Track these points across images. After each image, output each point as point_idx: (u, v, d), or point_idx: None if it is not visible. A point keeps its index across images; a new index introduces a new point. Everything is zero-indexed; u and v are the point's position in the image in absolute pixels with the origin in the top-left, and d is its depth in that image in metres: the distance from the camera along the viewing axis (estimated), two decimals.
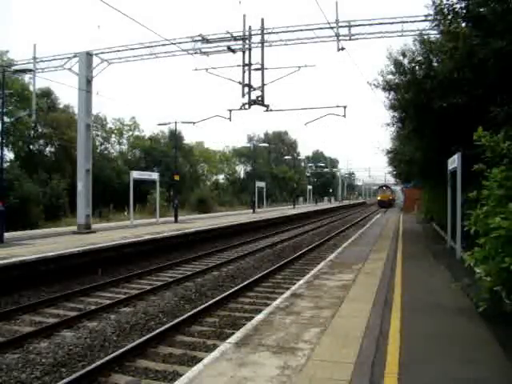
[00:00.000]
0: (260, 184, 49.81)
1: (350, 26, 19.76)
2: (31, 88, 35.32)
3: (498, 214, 6.45)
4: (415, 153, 21.28)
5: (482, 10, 10.89)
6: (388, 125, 20.32)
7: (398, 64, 15.93)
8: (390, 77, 16.55)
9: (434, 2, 12.35)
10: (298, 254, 18.50)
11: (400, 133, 23.21)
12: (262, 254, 19.28)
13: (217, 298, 10.95)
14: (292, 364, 5.25)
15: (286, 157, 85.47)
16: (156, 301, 11.31)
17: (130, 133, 68.51)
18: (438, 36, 14.89)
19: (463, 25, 12.01)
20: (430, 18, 13.84)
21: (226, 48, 20.79)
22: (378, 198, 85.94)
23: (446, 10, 11.87)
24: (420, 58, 15.08)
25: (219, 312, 10.19)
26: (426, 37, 15.35)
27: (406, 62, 15.73)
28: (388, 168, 43.78)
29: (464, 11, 11.56)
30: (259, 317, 7.37)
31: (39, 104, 39.54)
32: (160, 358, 7.46)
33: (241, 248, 21.73)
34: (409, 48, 15.69)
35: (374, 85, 17.02)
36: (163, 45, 21.44)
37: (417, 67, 15.32)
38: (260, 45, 21.12)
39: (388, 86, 16.69)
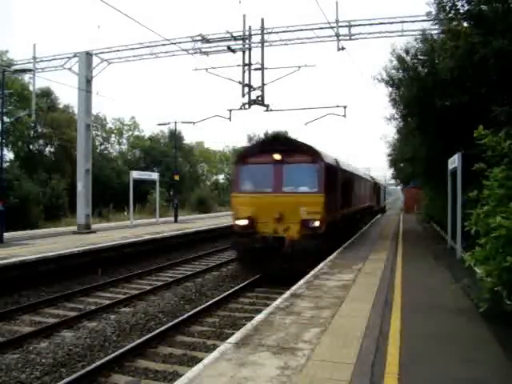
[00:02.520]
0: None
1: (350, 26, 19.76)
2: (31, 88, 35.34)
3: (499, 214, 6.43)
4: (416, 151, 21.28)
5: (483, 8, 10.89)
6: (390, 119, 20.27)
7: (401, 60, 15.99)
8: (394, 72, 16.60)
9: (435, 0, 12.36)
10: None
11: (401, 132, 23.24)
12: None
13: (217, 298, 10.96)
14: (292, 364, 5.24)
15: None
16: (156, 301, 11.30)
17: (130, 133, 68.49)
18: (439, 34, 14.92)
19: (464, 23, 12.02)
20: (431, 15, 13.85)
21: (225, 48, 20.78)
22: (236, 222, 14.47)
23: (447, 7, 11.86)
24: (422, 57, 15.12)
25: (219, 312, 10.19)
26: (428, 36, 15.39)
27: (408, 58, 15.79)
28: (389, 168, 43.65)
29: (465, 9, 11.55)
30: (259, 317, 7.35)
31: (39, 104, 39.49)
32: (160, 358, 7.46)
33: None
34: (412, 45, 15.76)
35: (378, 79, 17.04)
36: (163, 45, 21.45)
37: (419, 64, 15.37)
38: (260, 45, 21.07)
39: (391, 81, 16.71)
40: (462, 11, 11.54)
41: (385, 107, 18.74)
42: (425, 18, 15.69)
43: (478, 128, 7.30)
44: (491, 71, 11.07)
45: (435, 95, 13.63)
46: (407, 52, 15.78)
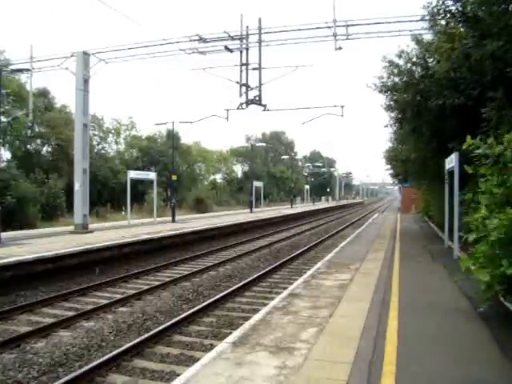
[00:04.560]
0: (257, 184, 49.82)
1: (347, 26, 19.70)
2: (28, 88, 35.21)
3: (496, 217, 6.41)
4: (413, 153, 21.36)
5: (477, 11, 10.91)
6: (386, 126, 20.43)
7: (394, 65, 16.03)
8: (387, 78, 16.65)
9: (430, 3, 12.38)
10: (295, 253, 18.49)
11: (398, 133, 23.33)
12: (259, 254, 19.27)
13: (214, 298, 10.95)
14: (289, 364, 5.25)
15: (284, 156, 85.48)
16: (153, 300, 11.29)
17: (127, 132, 68.35)
18: (434, 37, 14.95)
19: (459, 25, 12.05)
20: (426, 18, 13.88)
21: (223, 47, 20.77)
22: None
23: (442, 10, 11.89)
24: (415, 60, 15.20)
25: (217, 312, 10.19)
26: (422, 37, 15.45)
27: (401, 62, 15.84)
28: (386, 168, 43.60)
29: (460, 12, 11.58)
30: (257, 316, 7.36)
31: (36, 104, 39.37)
32: (157, 357, 7.45)
33: (238, 248, 21.72)
34: (404, 49, 15.84)
35: (372, 88, 17.12)
36: (160, 44, 21.35)
37: (414, 67, 15.41)
38: (257, 44, 21.11)
39: (385, 88, 16.76)
40: (456, 14, 11.56)
41: (380, 114, 18.86)
42: (421, 18, 15.70)
43: (467, 139, 7.30)
44: (486, 73, 11.12)
45: (430, 97, 13.69)
46: (400, 56, 15.86)
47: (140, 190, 43.02)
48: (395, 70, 15.95)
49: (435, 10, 12.10)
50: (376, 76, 16.86)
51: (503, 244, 6.28)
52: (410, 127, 17.14)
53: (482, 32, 10.67)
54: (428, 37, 15.50)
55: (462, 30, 12.00)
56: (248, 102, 21.65)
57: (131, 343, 7.73)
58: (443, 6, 11.79)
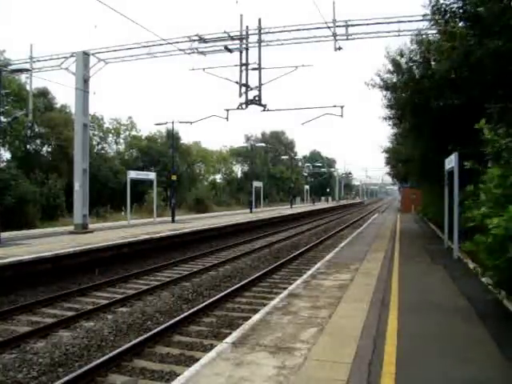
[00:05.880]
0: (257, 184, 49.81)
1: (347, 26, 19.72)
2: (28, 88, 35.17)
3: (497, 216, 6.40)
4: (412, 152, 21.37)
5: (478, 9, 10.91)
6: (385, 119, 20.31)
7: (395, 63, 16.00)
8: (388, 76, 16.63)
9: (430, 2, 12.37)
10: (295, 253, 18.49)
11: (397, 132, 23.33)
12: (258, 254, 19.27)
13: (214, 298, 10.95)
14: (289, 364, 5.25)
15: (283, 157, 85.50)
16: (153, 301, 11.29)
17: (127, 132, 68.36)
18: (435, 36, 14.94)
19: (460, 24, 12.03)
20: (427, 17, 13.87)
21: (223, 48, 20.80)
22: None
23: (442, 9, 11.88)
24: (417, 58, 15.17)
25: (216, 312, 10.19)
26: (423, 37, 15.43)
27: (403, 61, 15.81)
28: (386, 168, 43.49)
29: (461, 11, 11.57)
30: (256, 317, 7.36)
31: (36, 104, 39.36)
32: (157, 357, 7.45)
33: (238, 248, 21.72)
34: (407, 47, 15.79)
35: (372, 85, 17.08)
36: (160, 44, 21.36)
37: (414, 67, 15.41)
38: (257, 44, 21.13)
39: (385, 86, 16.75)
40: (457, 12, 11.56)
41: (381, 107, 18.77)
42: (421, 18, 15.69)
43: (480, 121, 7.24)
44: (487, 72, 11.11)
45: (430, 97, 13.68)
46: (401, 54, 15.83)
47: (140, 190, 43.00)
48: (397, 68, 15.95)
49: (436, 8, 12.09)
50: (376, 73, 16.89)
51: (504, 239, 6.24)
52: (410, 126, 17.16)
53: (483, 30, 10.67)
54: (429, 37, 15.50)
55: (462, 29, 12.00)
56: (248, 102, 21.68)
57: (131, 343, 7.73)
58: (443, 5, 11.79)
